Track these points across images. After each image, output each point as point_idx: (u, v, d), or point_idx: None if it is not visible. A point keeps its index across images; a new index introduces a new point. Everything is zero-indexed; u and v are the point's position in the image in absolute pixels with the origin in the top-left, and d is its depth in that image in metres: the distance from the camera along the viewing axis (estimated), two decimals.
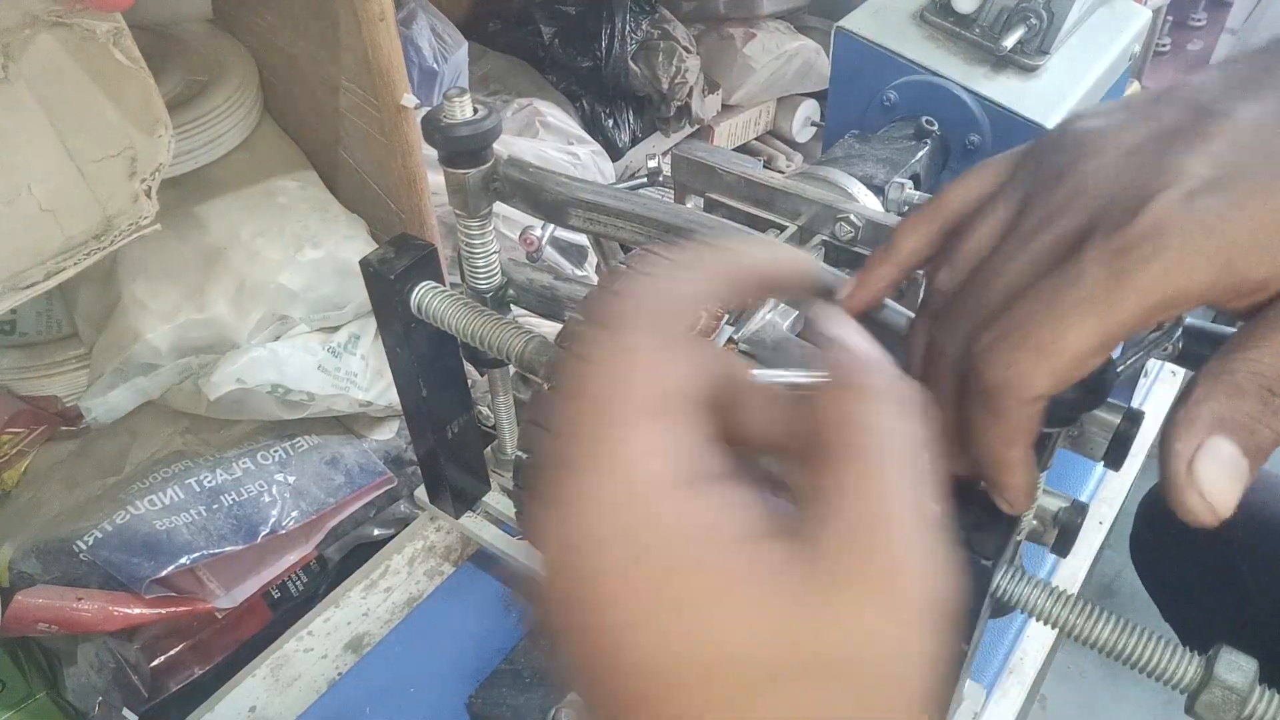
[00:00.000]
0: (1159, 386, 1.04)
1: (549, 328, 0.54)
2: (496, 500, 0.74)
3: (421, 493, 0.76)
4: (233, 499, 1.03)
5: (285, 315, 1.04)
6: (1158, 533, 0.89)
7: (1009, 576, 0.38)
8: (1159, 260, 0.27)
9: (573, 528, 0.23)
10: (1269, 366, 0.27)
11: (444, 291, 0.54)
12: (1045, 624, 0.37)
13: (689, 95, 1.65)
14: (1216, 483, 0.27)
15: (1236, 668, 0.33)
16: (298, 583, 1.13)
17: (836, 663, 0.21)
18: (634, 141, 1.69)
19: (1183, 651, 0.35)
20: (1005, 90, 0.78)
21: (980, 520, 0.36)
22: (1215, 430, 0.27)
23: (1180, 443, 0.27)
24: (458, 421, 0.66)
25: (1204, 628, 0.86)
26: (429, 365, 0.59)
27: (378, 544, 1.14)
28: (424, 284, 0.54)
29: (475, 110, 0.53)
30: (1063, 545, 0.47)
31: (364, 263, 0.54)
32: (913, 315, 0.37)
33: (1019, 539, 0.43)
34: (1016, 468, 0.32)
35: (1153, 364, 1.01)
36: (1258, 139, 0.28)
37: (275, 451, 1.09)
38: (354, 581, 0.81)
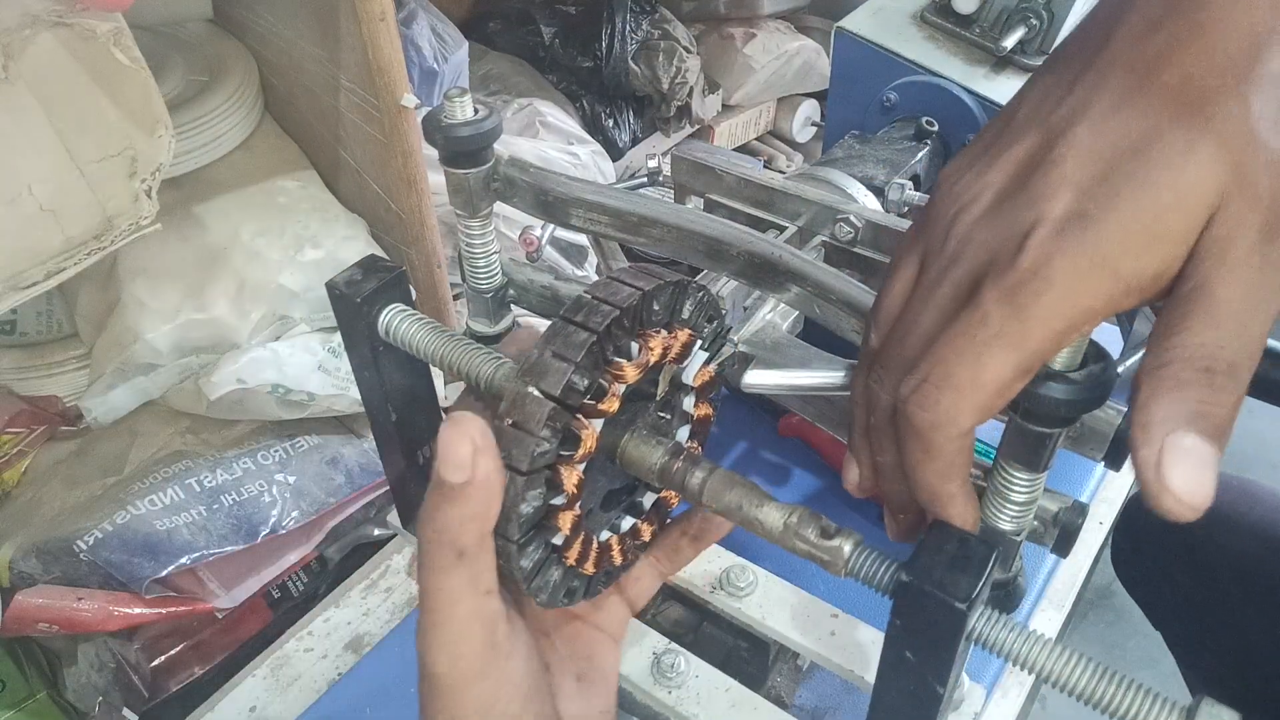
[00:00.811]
0: None
1: None
2: None
3: (394, 516, 0.75)
4: (233, 499, 1.03)
5: (285, 315, 1.04)
6: (1136, 546, 0.89)
7: (984, 619, 0.37)
8: (1051, 290, 0.29)
9: None
10: (1197, 346, 0.28)
11: (412, 315, 0.53)
12: (1021, 669, 0.37)
13: (689, 95, 1.65)
14: (1187, 480, 0.28)
15: None
16: (298, 583, 1.13)
17: None
18: (634, 141, 1.69)
19: (1162, 702, 0.34)
20: (1005, 90, 0.77)
21: (954, 560, 0.35)
22: (1171, 427, 0.28)
23: (1144, 449, 0.28)
24: (429, 445, 0.64)
25: (1190, 637, 0.86)
26: (398, 389, 0.58)
27: (378, 544, 1.14)
28: (392, 306, 0.53)
29: (476, 110, 0.53)
30: (1063, 546, 0.47)
31: (330, 285, 0.53)
32: None
33: (995, 579, 0.42)
34: (956, 499, 0.35)
35: None
36: (1099, 148, 0.30)
37: (275, 451, 1.09)
38: (354, 581, 0.81)
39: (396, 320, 0.53)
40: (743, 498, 0.42)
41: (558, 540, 0.43)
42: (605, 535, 0.49)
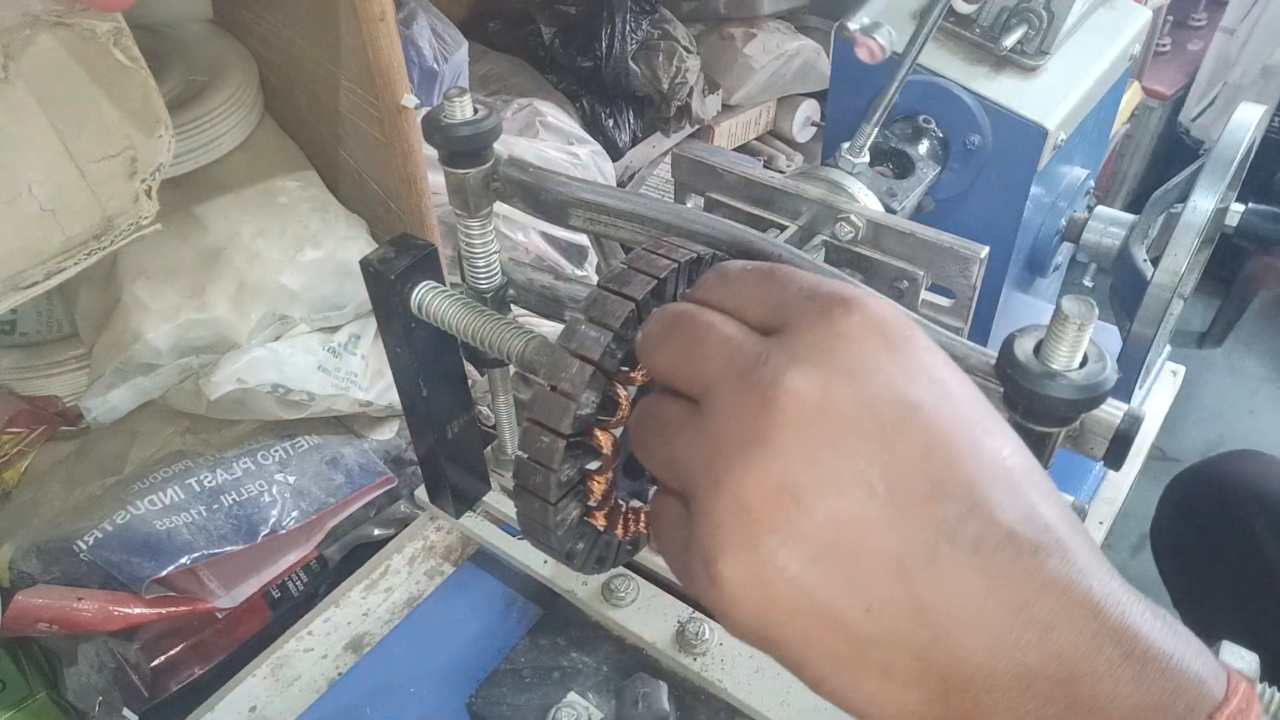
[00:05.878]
0: (1159, 386, 1.04)
1: (549, 328, 0.54)
2: (497, 500, 0.74)
3: (422, 493, 0.76)
4: (233, 499, 1.04)
5: (285, 315, 1.04)
6: (1183, 518, 0.89)
7: None
8: None
9: None
10: None
11: (444, 291, 0.54)
12: None
13: (689, 95, 1.65)
14: None
15: (1239, 662, 0.33)
16: (298, 583, 1.13)
17: None
18: (634, 141, 1.68)
19: None
20: (1005, 90, 0.77)
21: None
22: None
23: None
24: (458, 421, 0.66)
25: (1214, 617, 0.86)
26: (429, 365, 0.59)
27: (378, 544, 1.14)
28: (424, 284, 0.54)
29: (475, 110, 0.53)
30: None
31: (364, 262, 0.54)
32: None
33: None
34: None
35: (1153, 364, 1.01)
36: None
37: (275, 451, 1.09)
38: (354, 581, 0.80)
39: (429, 297, 0.54)
40: None
41: (592, 503, 0.44)
42: (635, 504, 0.51)
